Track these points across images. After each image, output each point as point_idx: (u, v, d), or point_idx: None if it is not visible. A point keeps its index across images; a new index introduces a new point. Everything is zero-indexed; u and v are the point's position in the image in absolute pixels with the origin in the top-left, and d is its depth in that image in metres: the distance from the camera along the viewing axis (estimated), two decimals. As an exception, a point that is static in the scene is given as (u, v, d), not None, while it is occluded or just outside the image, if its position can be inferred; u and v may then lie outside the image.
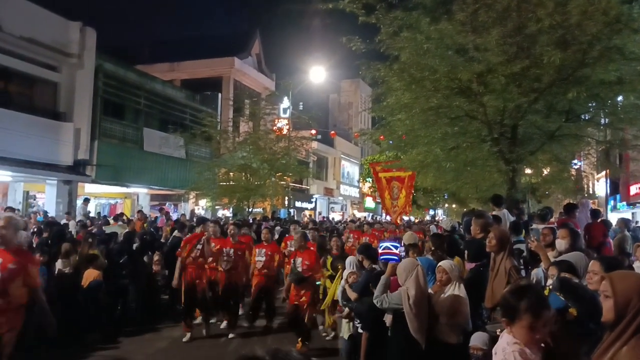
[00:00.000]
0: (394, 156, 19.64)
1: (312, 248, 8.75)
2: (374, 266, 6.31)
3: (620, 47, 7.95)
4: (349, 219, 30.02)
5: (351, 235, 14.39)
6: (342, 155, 45.06)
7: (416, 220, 33.81)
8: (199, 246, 8.61)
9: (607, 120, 10.33)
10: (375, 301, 4.85)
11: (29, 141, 16.26)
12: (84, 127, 18.66)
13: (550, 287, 3.57)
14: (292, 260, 8.08)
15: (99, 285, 8.44)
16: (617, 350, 2.24)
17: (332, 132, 40.50)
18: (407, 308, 4.47)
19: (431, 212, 48.71)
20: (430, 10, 8.85)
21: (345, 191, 46.50)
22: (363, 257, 6.58)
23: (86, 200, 17.74)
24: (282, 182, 21.83)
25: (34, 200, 20.69)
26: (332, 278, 8.16)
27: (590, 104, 9.64)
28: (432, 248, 6.87)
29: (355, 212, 46.52)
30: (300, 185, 34.65)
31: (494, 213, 7.87)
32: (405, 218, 39.56)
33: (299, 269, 7.84)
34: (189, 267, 8.57)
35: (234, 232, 9.14)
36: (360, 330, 5.83)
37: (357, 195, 49.10)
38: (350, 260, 7.66)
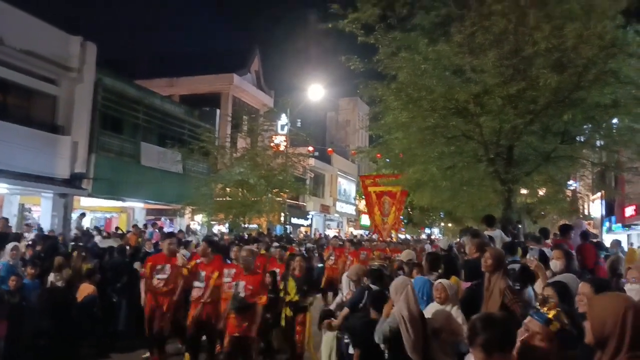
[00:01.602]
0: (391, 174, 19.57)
1: (259, 271, 7.89)
2: (370, 285, 6.31)
3: (616, 70, 8.07)
4: (326, 235, 29.56)
5: (333, 252, 13.65)
6: (339, 173, 45.14)
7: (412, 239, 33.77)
8: (166, 271, 7.65)
9: (602, 142, 10.42)
10: (377, 341, 4.80)
11: (26, 154, 16.24)
12: (82, 140, 18.66)
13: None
14: (233, 284, 7.01)
15: (94, 300, 8.39)
16: None
17: (329, 149, 40.64)
18: (402, 329, 4.46)
19: (427, 230, 48.69)
20: (428, 31, 8.97)
21: (342, 208, 46.47)
22: (367, 278, 6.58)
23: (82, 215, 17.69)
24: (278, 199, 21.82)
25: (29, 213, 20.61)
26: (292, 305, 7.49)
27: (585, 126, 9.73)
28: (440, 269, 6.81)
29: (352, 229, 46.46)
30: (296, 202, 34.65)
31: (487, 233, 7.89)
32: (402, 236, 39.51)
33: (242, 294, 6.78)
34: (149, 293, 7.72)
35: (204, 250, 7.89)
36: (350, 351, 5.78)
37: (354, 213, 49.07)
38: (345, 280, 7.67)
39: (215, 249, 8.36)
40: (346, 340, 5.93)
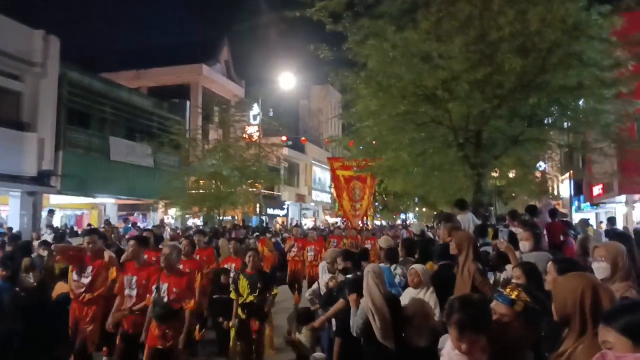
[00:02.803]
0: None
1: (186, 269, 6.96)
2: (358, 273, 6.36)
3: (579, 53, 8.22)
4: (302, 224, 28.95)
5: (295, 244, 12.91)
6: (313, 161, 45.18)
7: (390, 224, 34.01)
8: (87, 275, 6.42)
9: (569, 124, 10.63)
10: (354, 334, 4.86)
11: (-10, 152, 15.86)
12: (48, 137, 18.29)
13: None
14: (153, 288, 5.78)
15: (67, 299, 8.27)
16: (574, 350, 2.35)
17: (303, 138, 40.57)
18: (370, 319, 4.54)
19: (402, 216, 49.10)
20: (395, 18, 8.97)
21: (317, 197, 46.58)
22: (350, 264, 6.61)
23: (51, 212, 17.37)
24: (253, 190, 21.77)
25: (-3, 212, 20.18)
26: (246, 307, 6.76)
27: (552, 109, 9.91)
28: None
29: (328, 217, 46.60)
30: (271, 192, 34.59)
31: (459, 216, 8.01)
32: (377, 223, 39.64)
33: (164, 299, 5.65)
34: (73, 301, 6.57)
35: (135, 250, 6.28)
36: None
37: (329, 201, 49.20)
38: (322, 265, 7.65)
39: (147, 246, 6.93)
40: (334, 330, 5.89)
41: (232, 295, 6.90)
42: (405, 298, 5.12)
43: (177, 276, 5.80)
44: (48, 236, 13.45)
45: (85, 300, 6.42)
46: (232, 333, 6.86)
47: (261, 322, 6.90)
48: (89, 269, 6.45)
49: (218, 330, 7.45)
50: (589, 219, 14.27)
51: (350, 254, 7.02)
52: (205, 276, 8.04)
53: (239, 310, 6.78)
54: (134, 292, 6.13)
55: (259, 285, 6.71)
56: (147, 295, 5.90)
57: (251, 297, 6.68)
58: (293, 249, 12.70)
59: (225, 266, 8.39)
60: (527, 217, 8.84)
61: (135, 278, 6.15)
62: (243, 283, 6.77)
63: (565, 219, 12.38)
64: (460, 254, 4.91)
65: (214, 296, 7.59)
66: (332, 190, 47.21)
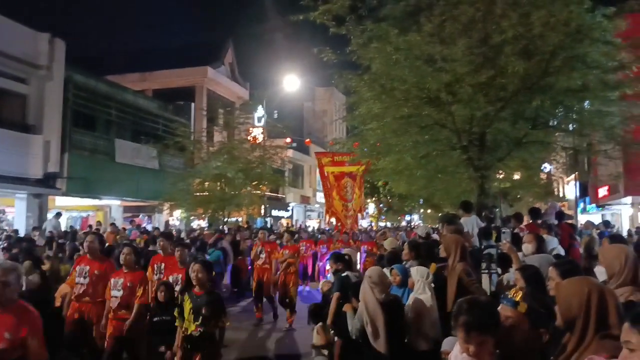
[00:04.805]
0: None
1: (127, 283, 6.00)
2: (347, 273, 6.40)
3: (583, 55, 8.21)
4: (306, 225, 27.34)
5: (263, 249, 10.90)
6: (317, 163, 45.18)
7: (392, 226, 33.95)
8: None
9: (573, 126, 10.60)
10: (353, 337, 4.89)
11: (-3, 155, 15.94)
12: (54, 139, 18.38)
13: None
14: None
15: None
16: (579, 356, 2.35)
17: (307, 140, 40.58)
18: (364, 323, 4.56)
19: (407, 217, 49.09)
20: (399, 21, 9.00)
21: (322, 198, 46.42)
22: (342, 265, 6.67)
23: (58, 215, 17.45)
24: (257, 192, 21.80)
25: (3, 214, 20.25)
26: (188, 340, 4.99)
27: (557, 111, 9.90)
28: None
29: (333, 219, 46.54)
30: (276, 194, 34.60)
31: (464, 219, 7.99)
32: (382, 224, 39.56)
33: None
34: None
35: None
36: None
37: (334, 203, 49.11)
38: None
39: None
40: (332, 331, 5.92)
41: (177, 322, 5.17)
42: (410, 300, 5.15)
43: (13, 315, 3.70)
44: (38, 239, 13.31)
45: None
46: None
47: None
48: None
49: None
50: (593, 222, 14.20)
51: (340, 257, 7.10)
52: (146, 292, 6.30)
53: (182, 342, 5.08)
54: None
55: (203, 312, 4.94)
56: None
57: (192, 327, 4.96)
58: (261, 255, 10.76)
59: (170, 278, 6.74)
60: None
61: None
62: (187, 306, 5.03)
63: (570, 222, 12.32)
64: (449, 257, 5.05)
65: (155, 319, 5.92)
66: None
